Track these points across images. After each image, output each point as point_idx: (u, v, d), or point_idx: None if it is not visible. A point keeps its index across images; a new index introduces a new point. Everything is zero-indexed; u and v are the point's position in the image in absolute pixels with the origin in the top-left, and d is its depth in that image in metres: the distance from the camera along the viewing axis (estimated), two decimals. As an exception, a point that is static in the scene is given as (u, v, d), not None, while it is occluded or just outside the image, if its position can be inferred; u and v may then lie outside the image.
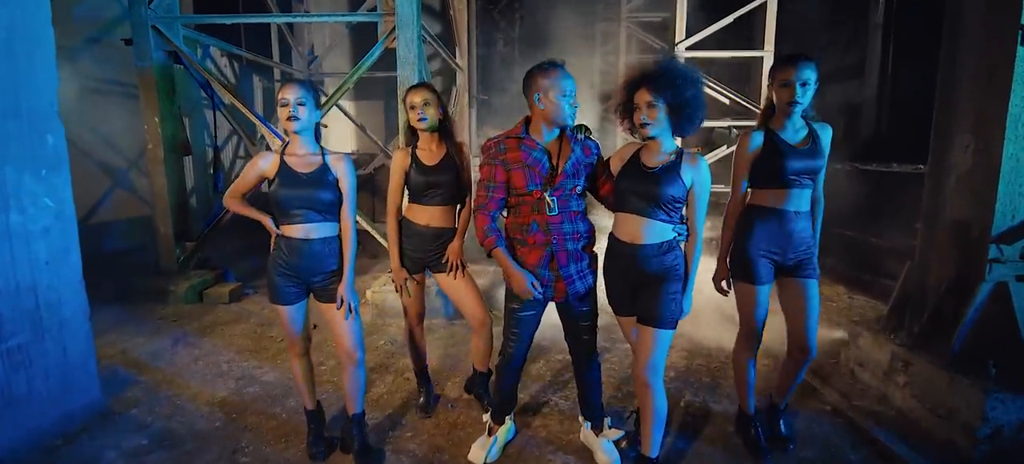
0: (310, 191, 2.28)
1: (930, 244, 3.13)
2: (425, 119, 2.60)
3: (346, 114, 7.80)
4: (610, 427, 2.69)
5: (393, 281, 2.80)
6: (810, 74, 2.27)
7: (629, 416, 2.91)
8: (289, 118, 2.23)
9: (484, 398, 3.00)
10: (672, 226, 2.17)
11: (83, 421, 2.87)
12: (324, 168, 2.33)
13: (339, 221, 2.40)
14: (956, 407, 2.66)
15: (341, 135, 9.78)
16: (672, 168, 2.13)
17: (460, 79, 7.47)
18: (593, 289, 2.42)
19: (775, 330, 2.80)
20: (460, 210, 2.83)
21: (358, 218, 4.62)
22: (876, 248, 5.64)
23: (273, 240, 2.37)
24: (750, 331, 2.54)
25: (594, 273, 2.41)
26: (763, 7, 6.92)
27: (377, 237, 4.96)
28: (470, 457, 2.58)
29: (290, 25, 8.84)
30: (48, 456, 2.63)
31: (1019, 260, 2.76)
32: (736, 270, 2.50)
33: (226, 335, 4.19)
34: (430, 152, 2.69)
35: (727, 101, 7.47)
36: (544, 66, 2.22)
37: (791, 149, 2.35)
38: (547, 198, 2.24)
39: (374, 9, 5.14)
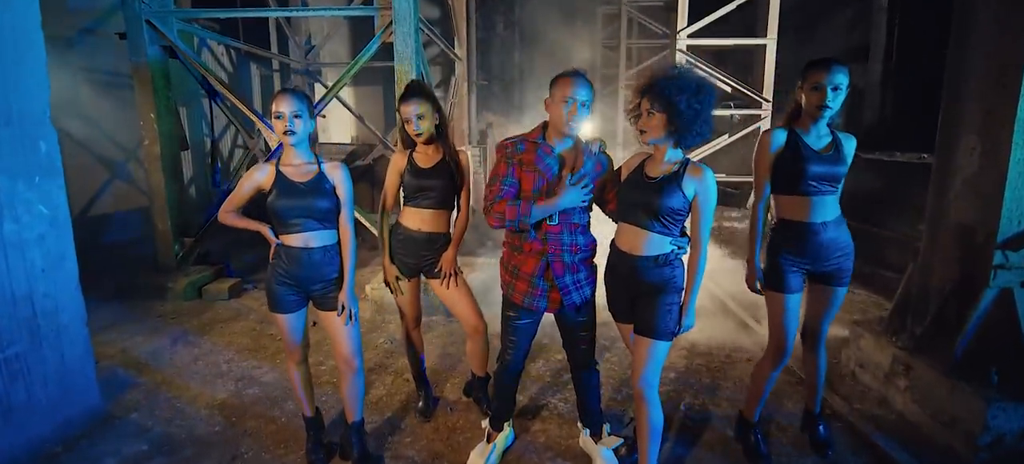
0: (308, 200, 2.27)
1: (934, 246, 3.08)
2: (420, 131, 2.57)
3: (344, 104, 7.74)
4: (609, 434, 2.69)
5: (384, 279, 2.79)
6: (842, 79, 2.22)
7: (629, 422, 2.91)
8: (285, 132, 2.21)
9: (483, 402, 3.00)
10: (669, 239, 2.12)
11: (83, 427, 2.88)
12: (320, 176, 2.32)
13: (338, 228, 2.39)
14: (957, 414, 2.65)
15: (339, 123, 9.71)
16: (673, 179, 2.08)
17: (459, 69, 7.37)
18: (591, 301, 2.39)
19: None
20: (455, 217, 2.80)
21: (358, 213, 4.60)
22: (878, 239, 5.55)
23: (273, 249, 2.36)
24: (779, 344, 2.48)
25: (592, 285, 2.38)
26: (767, -6, 6.81)
27: (375, 232, 4.92)
28: (469, 464, 2.59)
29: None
30: (49, 463, 2.64)
31: (1024, 266, 2.72)
32: (767, 277, 2.47)
33: (226, 333, 4.19)
34: (426, 155, 2.67)
35: (729, 88, 7.40)
36: (561, 73, 2.21)
37: (813, 153, 2.31)
38: None
39: (371, 2, 5.04)
